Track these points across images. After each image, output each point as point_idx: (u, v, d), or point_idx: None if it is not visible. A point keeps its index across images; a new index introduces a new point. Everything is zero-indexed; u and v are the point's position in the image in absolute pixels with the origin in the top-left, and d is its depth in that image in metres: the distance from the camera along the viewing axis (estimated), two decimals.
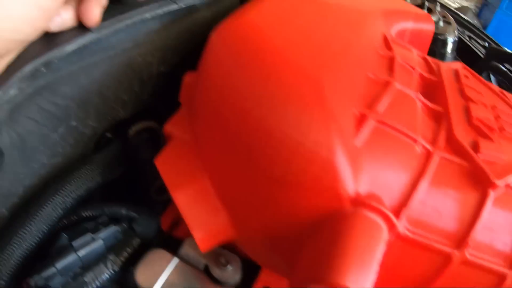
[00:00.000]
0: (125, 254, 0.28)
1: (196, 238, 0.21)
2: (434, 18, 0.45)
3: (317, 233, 0.18)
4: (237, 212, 0.20)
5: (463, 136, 0.21)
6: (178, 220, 0.29)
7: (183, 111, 0.25)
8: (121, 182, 0.29)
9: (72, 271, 0.27)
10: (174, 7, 0.26)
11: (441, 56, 0.44)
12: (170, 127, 0.24)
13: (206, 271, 0.26)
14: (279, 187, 0.18)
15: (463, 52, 0.48)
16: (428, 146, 0.19)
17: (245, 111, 0.19)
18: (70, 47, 0.23)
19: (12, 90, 0.22)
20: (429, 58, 0.27)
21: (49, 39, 0.24)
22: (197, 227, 0.20)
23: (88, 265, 0.27)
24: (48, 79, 0.24)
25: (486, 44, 0.50)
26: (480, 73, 0.45)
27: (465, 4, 1.85)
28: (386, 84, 0.21)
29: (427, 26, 0.32)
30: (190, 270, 0.26)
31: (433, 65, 0.26)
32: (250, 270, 0.27)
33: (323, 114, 0.17)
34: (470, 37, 0.50)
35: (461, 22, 0.53)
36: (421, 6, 0.46)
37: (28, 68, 0.22)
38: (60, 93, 0.25)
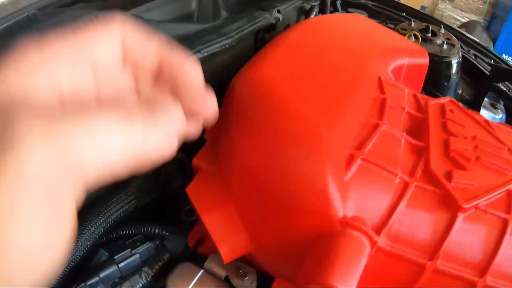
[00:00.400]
0: (157, 267, 0.37)
1: (221, 252, 0.30)
2: (438, 41, 0.54)
3: (315, 246, 0.27)
4: (255, 231, 0.30)
5: (439, 167, 0.30)
6: (203, 239, 0.38)
7: (208, 146, 0.35)
8: (154, 205, 0.38)
9: (111, 280, 0.36)
10: (198, 55, 0.36)
11: (446, 78, 0.52)
12: (198, 161, 0.34)
13: (227, 281, 0.35)
14: (288, 212, 0.27)
15: (469, 71, 0.56)
16: (406, 178, 0.28)
17: (261, 152, 0.28)
18: None
19: None
20: (419, 95, 0.36)
21: None
22: (222, 244, 0.30)
23: (125, 276, 0.36)
24: None
25: (492, 62, 0.58)
26: (486, 91, 0.53)
27: (474, 17, 1.94)
28: (375, 126, 0.30)
29: (422, 60, 0.41)
30: (213, 280, 0.35)
31: (422, 102, 0.35)
32: (264, 281, 0.36)
33: (320, 156, 0.26)
34: (476, 56, 0.58)
35: (466, 41, 0.61)
36: (425, 29, 0.55)
37: None
38: None
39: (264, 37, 0.45)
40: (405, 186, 0.28)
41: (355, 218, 0.27)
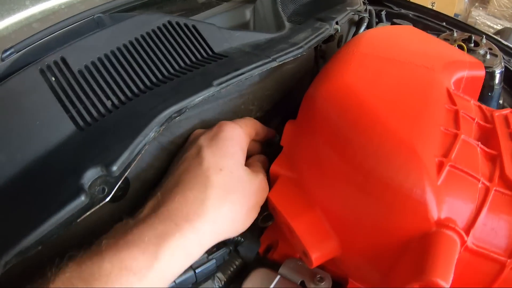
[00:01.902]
0: (229, 272, 0.42)
1: (312, 257, 0.35)
2: (481, 51, 0.61)
3: (410, 246, 0.32)
4: (346, 235, 0.35)
5: None
6: (273, 245, 0.43)
7: (285, 154, 0.40)
8: None
9: (185, 286, 0.41)
10: (273, 64, 0.41)
11: (490, 88, 0.59)
12: (276, 167, 0.39)
13: (302, 286, 0.40)
14: (385, 217, 0.32)
15: (510, 80, 0.64)
16: (486, 183, 0.34)
17: (356, 161, 0.33)
18: (199, 99, 0.37)
19: (152, 133, 0.36)
20: (483, 107, 0.42)
21: (178, 90, 0.38)
22: (313, 248, 0.35)
23: (199, 281, 0.41)
24: (173, 122, 0.37)
25: None
26: None
27: (508, 24, 2.06)
28: (455, 136, 0.36)
29: (479, 72, 0.48)
30: (290, 285, 0.40)
31: (487, 113, 0.41)
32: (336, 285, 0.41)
33: (416, 165, 0.32)
34: None
35: (506, 51, 0.69)
36: (468, 39, 0.62)
37: (165, 114, 0.36)
38: (176, 133, 0.40)
39: (321, 47, 0.51)
40: (487, 190, 0.34)
41: (448, 219, 0.32)
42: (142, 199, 0.40)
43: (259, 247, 0.43)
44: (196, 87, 0.38)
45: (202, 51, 0.42)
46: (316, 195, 0.37)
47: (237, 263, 0.42)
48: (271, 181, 0.40)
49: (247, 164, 0.40)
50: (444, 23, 0.70)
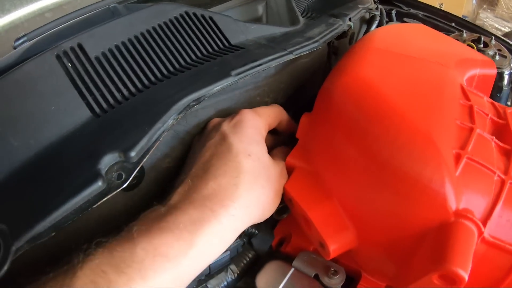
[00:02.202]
0: (242, 265, 0.42)
1: (330, 249, 0.36)
2: (490, 52, 0.62)
3: (428, 237, 0.33)
4: (363, 227, 0.36)
5: None
6: (286, 238, 0.44)
7: (301, 145, 0.41)
8: None
9: (199, 278, 0.41)
10: (290, 56, 0.42)
11: (499, 89, 0.61)
12: (292, 159, 0.40)
13: (316, 279, 0.41)
14: (402, 208, 0.33)
15: None
16: (502, 176, 0.35)
17: (373, 152, 0.34)
18: (217, 88, 0.37)
19: (170, 120, 0.35)
20: (496, 104, 0.43)
21: (196, 79, 0.38)
22: (331, 240, 0.36)
23: (212, 274, 0.42)
24: (189, 111, 0.37)
25: None
26: None
27: None
28: (471, 130, 0.36)
29: (491, 71, 0.49)
30: (305, 278, 0.41)
31: (500, 110, 0.43)
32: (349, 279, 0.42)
33: (435, 156, 0.33)
34: None
35: None
36: (477, 40, 0.63)
37: (183, 101, 0.35)
38: (192, 122, 0.41)
39: (333, 43, 0.52)
40: (502, 183, 0.35)
41: (466, 210, 0.33)
42: (156, 189, 0.40)
43: (273, 239, 0.43)
44: (214, 76, 0.38)
45: (218, 42, 0.43)
46: (333, 186, 0.37)
47: (250, 255, 0.43)
48: (287, 173, 0.41)
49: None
50: (453, 24, 0.72)
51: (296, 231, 0.44)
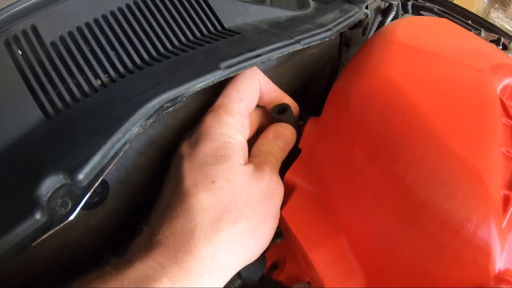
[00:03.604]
0: None
1: None
2: (509, 55, 0.51)
3: None
4: (376, 275, 0.26)
5: None
6: (279, 263, 0.34)
7: (304, 159, 0.30)
8: None
9: None
10: (297, 47, 0.31)
11: None
12: (293, 176, 0.30)
13: None
14: (434, 261, 0.24)
15: None
16: None
17: (405, 184, 0.24)
18: (200, 84, 0.27)
19: (135, 128, 0.25)
20: None
21: (174, 71, 0.27)
22: None
23: None
24: (166, 113, 0.27)
25: None
26: None
27: None
28: None
29: None
30: None
31: None
32: None
33: (484, 199, 0.23)
34: None
35: None
36: (496, 41, 0.52)
37: (154, 102, 0.25)
38: (169, 127, 0.30)
39: (346, 33, 0.41)
40: None
41: (507, 271, 0.24)
42: (127, 204, 0.30)
43: (264, 268, 0.33)
44: (198, 69, 0.27)
45: (208, 24, 0.31)
46: (342, 218, 0.27)
47: (236, 284, 0.33)
48: (285, 192, 0.30)
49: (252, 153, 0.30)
50: (470, 21, 0.61)
51: (291, 257, 0.34)
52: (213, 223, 0.24)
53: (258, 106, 0.32)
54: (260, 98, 0.32)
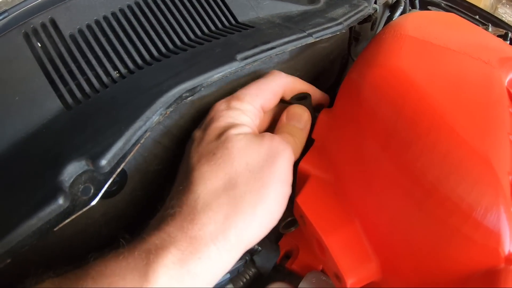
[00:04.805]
0: (241, 284, 0.33)
1: (347, 283, 0.27)
2: None
3: (470, 282, 0.24)
4: (390, 260, 0.26)
5: None
6: (292, 253, 0.34)
7: (318, 148, 0.31)
8: None
9: None
10: (309, 40, 0.31)
11: None
12: (306, 165, 0.30)
13: None
14: (445, 244, 0.24)
15: None
16: None
17: (417, 170, 0.25)
18: (218, 75, 0.28)
19: (155, 116, 0.26)
20: None
21: (192, 63, 0.28)
22: (350, 274, 0.26)
23: None
24: (183, 103, 0.27)
25: None
26: None
27: None
28: None
29: None
30: None
31: None
32: None
33: (494, 184, 0.23)
34: None
35: None
36: (504, 36, 0.52)
37: (174, 92, 0.26)
38: (185, 116, 0.30)
39: (355, 28, 0.42)
40: None
41: None
42: (143, 193, 0.31)
43: (278, 256, 0.34)
44: (215, 60, 0.28)
45: (223, 18, 0.32)
46: (357, 205, 0.28)
47: (250, 273, 0.33)
48: (299, 181, 0.31)
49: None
50: (477, 17, 0.61)
51: (304, 246, 0.34)
52: (215, 190, 0.25)
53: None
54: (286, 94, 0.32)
